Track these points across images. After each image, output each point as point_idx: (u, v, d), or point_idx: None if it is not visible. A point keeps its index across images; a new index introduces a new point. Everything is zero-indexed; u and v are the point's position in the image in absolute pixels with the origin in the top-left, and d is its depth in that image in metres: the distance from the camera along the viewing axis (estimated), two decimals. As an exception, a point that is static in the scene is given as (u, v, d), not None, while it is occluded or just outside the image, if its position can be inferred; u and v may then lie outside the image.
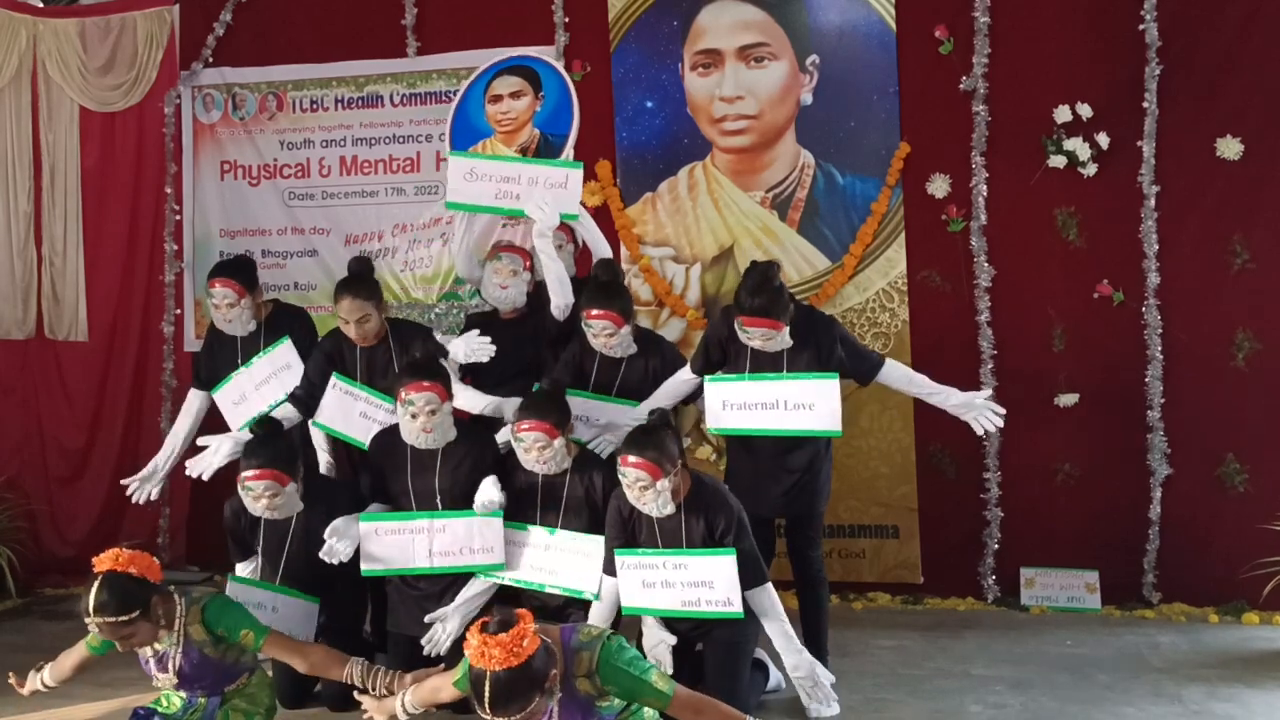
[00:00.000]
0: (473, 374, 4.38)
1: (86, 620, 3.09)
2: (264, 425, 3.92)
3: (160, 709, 3.32)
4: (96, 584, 3.08)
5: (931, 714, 3.74)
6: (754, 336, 3.83)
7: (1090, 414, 4.98)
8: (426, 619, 3.81)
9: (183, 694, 3.31)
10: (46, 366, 5.98)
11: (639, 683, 2.74)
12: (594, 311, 3.99)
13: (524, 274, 4.33)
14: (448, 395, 3.83)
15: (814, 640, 3.91)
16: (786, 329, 3.82)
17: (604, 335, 4.03)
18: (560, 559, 3.82)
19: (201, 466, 4.15)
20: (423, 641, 3.78)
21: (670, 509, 3.49)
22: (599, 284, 4.11)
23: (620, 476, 3.49)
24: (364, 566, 3.82)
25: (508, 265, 4.32)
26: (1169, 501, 4.88)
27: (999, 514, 5.05)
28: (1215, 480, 4.87)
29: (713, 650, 3.64)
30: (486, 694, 2.51)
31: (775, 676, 3.97)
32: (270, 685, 3.52)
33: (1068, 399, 4.99)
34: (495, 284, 4.32)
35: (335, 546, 3.75)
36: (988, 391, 4.37)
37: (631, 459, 3.43)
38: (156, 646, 3.21)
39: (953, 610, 5.04)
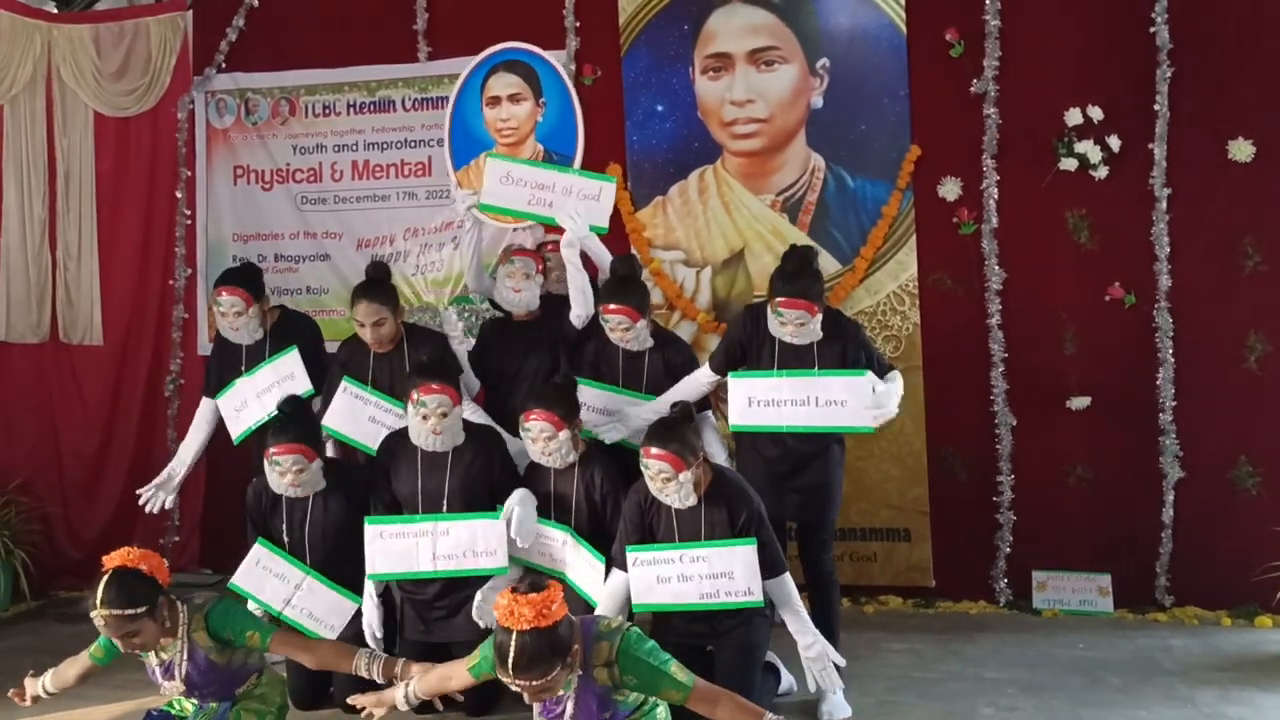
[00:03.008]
0: (485, 376, 4.39)
1: (93, 614, 3.02)
2: (290, 404, 3.96)
3: (174, 711, 3.33)
4: (106, 578, 3.03)
5: (943, 717, 3.74)
6: (788, 321, 3.81)
7: (1102, 417, 4.97)
8: (475, 612, 3.77)
9: (194, 700, 3.31)
10: (61, 370, 6.00)
11: (658, 673, 2.74)
12: (610, 306, 4.06)
13: (536, 277, 4.36)
14: (459, 398, 3.86)
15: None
16: (820, 316, 3.81)
17: (620, 330, 4.09)
18: (572, 558, 3.85)
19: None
20: (474, 617, 3.75)
21: (692, 500, 3.51)
22: (617, 278, 4.18)
23: (643, 469, 3.51)
24: (369, 571, 3.83)
25: (520, 269, 4.34)
26: (1181, 504, 4.87)
27: (1011, 517, 5.05)
28: (1227, 483, 4.85)
29: (724, 652, 3.64)
30: (511, 654, 2.55)
31: (787, 679, 3.98)
32: (282, 684, 3.52)
33: (1079, 402, 4.98)
34: (509, 287, 4.34)
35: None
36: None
37: (654, 451, 3.44)
38: (163, 655, 3.17)
39: (964, 613, 5.03)
